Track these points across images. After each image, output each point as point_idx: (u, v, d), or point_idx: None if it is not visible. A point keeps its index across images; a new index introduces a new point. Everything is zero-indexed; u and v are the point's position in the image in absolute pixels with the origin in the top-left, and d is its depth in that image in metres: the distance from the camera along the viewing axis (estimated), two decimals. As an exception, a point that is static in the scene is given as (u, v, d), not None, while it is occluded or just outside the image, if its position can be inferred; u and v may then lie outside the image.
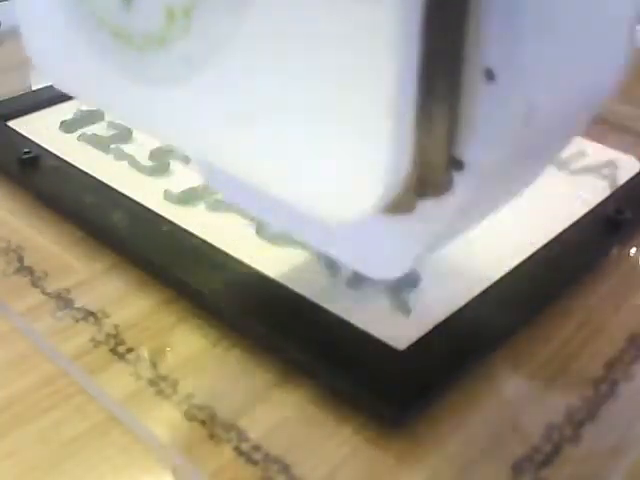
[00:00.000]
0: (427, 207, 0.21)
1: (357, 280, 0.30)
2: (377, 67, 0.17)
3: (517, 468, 0.24)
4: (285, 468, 0.24)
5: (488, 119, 0.19)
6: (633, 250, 0.34)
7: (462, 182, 0.20)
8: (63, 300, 0.31)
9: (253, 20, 0.18)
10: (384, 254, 0.25)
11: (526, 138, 0.20)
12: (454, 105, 0.19)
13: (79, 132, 0.42)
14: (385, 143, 0.17)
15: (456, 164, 0.20)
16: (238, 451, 0.25)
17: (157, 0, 0.20)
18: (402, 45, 0.16)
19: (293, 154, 0.19)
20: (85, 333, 0.29)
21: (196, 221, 0.34)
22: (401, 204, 0.21)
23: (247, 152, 0.21)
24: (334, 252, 0.27)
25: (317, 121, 0.18)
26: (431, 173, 0.20)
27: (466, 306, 0.29)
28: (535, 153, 0.23)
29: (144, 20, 0.21)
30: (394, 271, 0.25)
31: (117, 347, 0.29)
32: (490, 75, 0.18)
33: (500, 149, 0.20)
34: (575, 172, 0.38)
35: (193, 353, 0.29)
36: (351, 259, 0.27)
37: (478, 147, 0.19)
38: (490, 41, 0.18)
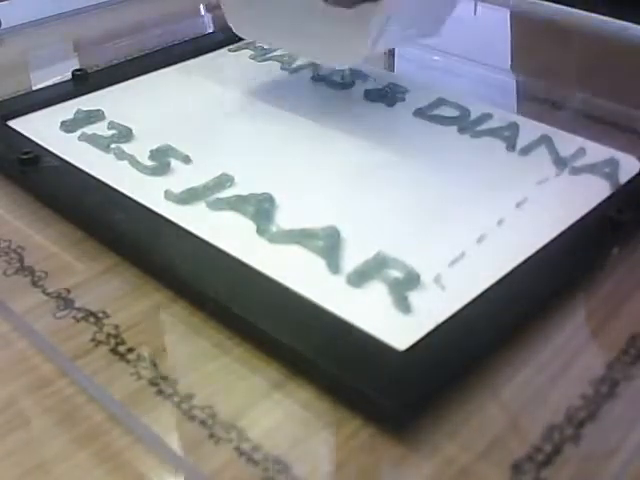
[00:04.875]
0: (367, 8, 0.37)
1: (358, 279, 0.30)
2: None
3: (517, 468, 0.24)
4: (285, 468, 0.24)
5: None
6: (633, 250, 0.34)
7: None
8: (63, 300, 0.31)
9: None
10: (344, 46, 0.40)
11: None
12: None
13: (79, 132, 0.42)
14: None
15: None
16: (238, 451, 0.25)
17: None
18: None
19: None
20: (85, 333, 0.29)
21: (196, 221, 0.34)
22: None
23: None
24: (315, 58, 0.45)
25: None
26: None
27: (466, 306, 0.29)
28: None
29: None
30: (352, 60, 0.42)
31: (117, 347, 0.29)
32: None
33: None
34: (575, 172, 0.38)
35: (193, 353, 0.29)
36: (325, 57, 0.42)
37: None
38: None
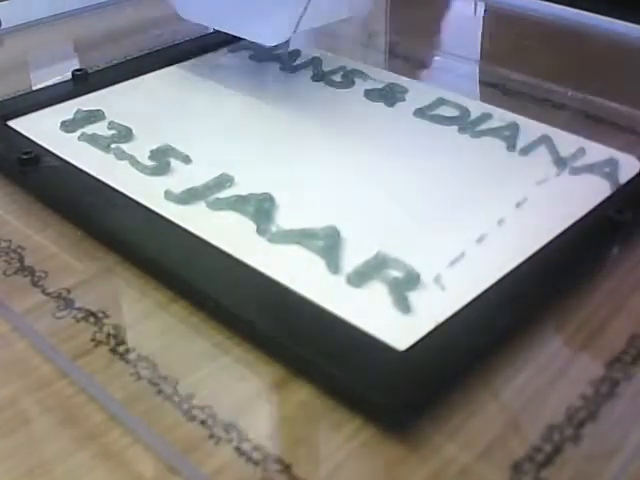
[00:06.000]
0: None
1: (358, 279, 0.30)
2: None
3: (517, 468, 0.24)
4: (285, 468, 0.24)
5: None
6: (633, 250, 0.34)
7: None
8: (63, 300, 0.31)
9: None
10: (271, 25, 0.43)
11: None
12: None
13: (79, 132, 0.42)
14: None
15: None
16: (238, 451, 0.25)
17: None
18: None
19: None
20: (85, 333, 0.29)
21: (196, 221, 0.34)
22: None
23: None
24: (241, 33, 0.46)
25: None
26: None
27: (466, 306, 0.29)
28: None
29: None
30: (279, 38, 0.44)
31: (117, 347, 0.29)
32: None
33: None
34: (575, 171, 0.38)
35: (193, 353, 0.29)
36: (252, 34, 0.45)
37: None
38: None
